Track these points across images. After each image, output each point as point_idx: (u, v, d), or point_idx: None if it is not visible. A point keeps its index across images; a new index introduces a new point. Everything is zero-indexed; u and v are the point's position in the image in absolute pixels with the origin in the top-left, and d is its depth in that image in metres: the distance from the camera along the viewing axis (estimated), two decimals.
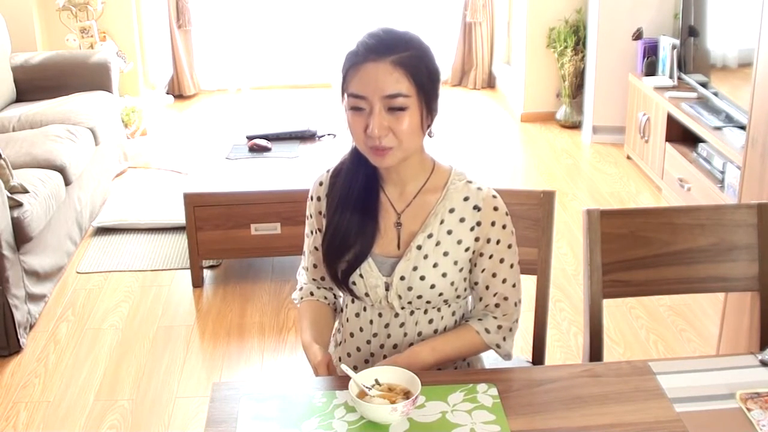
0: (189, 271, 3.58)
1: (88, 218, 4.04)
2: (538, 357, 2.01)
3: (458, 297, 1.70)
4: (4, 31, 4.55)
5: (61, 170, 3.60)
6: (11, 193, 3.13)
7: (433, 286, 1.65)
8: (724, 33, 3.89)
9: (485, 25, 6.23)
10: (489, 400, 1.50)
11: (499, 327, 1.71)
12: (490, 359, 1.89)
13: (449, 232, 1.65)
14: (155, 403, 2.80)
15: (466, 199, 1.65)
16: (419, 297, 1.66)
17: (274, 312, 3.37)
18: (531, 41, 5.48)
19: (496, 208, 1.66)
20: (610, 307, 3.23)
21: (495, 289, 1.69)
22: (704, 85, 4.05)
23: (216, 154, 3.86)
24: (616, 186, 4.56)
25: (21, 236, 3.13)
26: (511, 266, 1.69)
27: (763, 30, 2.38)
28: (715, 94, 3.90)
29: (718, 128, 3.73)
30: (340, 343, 1.80)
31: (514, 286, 1.71)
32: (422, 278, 1.64)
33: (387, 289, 1.67)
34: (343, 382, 1.53)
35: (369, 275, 1.67)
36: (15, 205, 3.12)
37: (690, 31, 4.20)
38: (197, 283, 3.56)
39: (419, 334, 1.70)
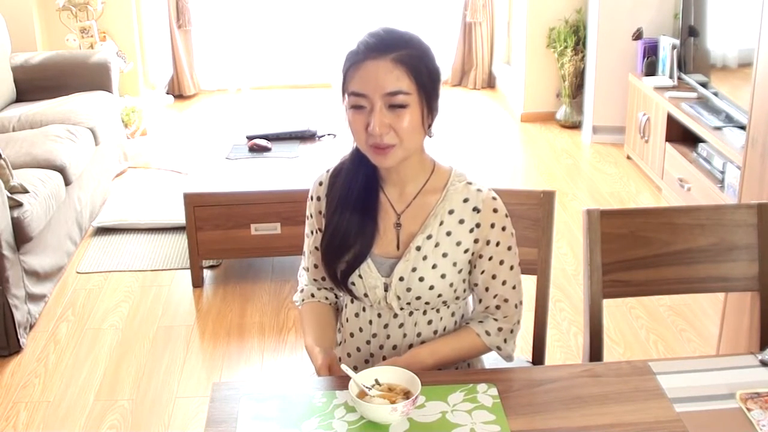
0: (189, 271, 3.58)
1: (88, 218, 4.05)
2: (538, 357, 2.01)
3: (457, 298, 1.70)
4: (4, 31, 4.55)
5: (61, 170, 3.60)
6: (11, 193, 3.13)
7: (431, 288, 1.65)
8: (724, 33, 3.89)
9: (485, 25, 6.23)
10: (489, 400, 1.50)
11: (500, 329, 1.71)
12: (490, 359, 1.89)
13: (448, 234, 1.65)
14: (155, 403, 2.80)
15: (465, 200, 1.65)
16: (418, 298, 1.66)
17: (274, 312, 3.37)
18: (531, 41, 5.48)
19: (495, 210, 1.66)
20: (610, 307, 3.23)
21: (495, 291, 1.69)
22: (704, 85, 4.05)
23: (216, 154, 3.86)
24: (616, 186, 4.56)
25: (21, 236, 3.13)
26: (511, 268, 1.69)
27: (763, 30, 2.38)
28: (715, 94, 3.90)
29: (718, 128, 3.73)
30: (340, 343, 1.80)
31: (514, 288, 1.70)
32: (421, 279, 1.64)
33: (386, 290, 1.67)
34: (343, 382, 1.53)
35: (368, 276, 1.67)
36: (15, 205, 3.12)
37: (690, 31, 4.20)
38: (197, 283, 3.56)
39: (418, 335, 1.70)
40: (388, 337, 1.71)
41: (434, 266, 1.64)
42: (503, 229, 1.67)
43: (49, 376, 2.95)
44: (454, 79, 6.46)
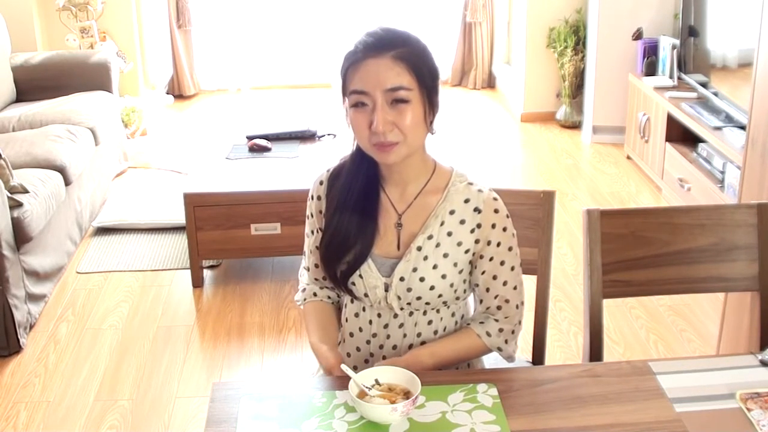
0: (189, 271, 3.58)
1: (88, 218, 4.05)
2: (538, 357, 2.01)
3: (457, 299, 1.70)
4: (4, 31, 4.55)
5: (61, 170, 3.60)
6: (11, 193, 3.13)
7: (432, 288, 1.65)
8: (724, 33, 3.89)
9: (485, 25, 6.23)
10: (489, 400, 1.50)
11: (501, 330, 1.71)
12: (490, 359, 1.89)
13: (449, 234, 1.65)
14: (155, 403, 2.80)
15: (466, 200, 1.65)
16: (419, 298, 1.66)
17: (274, 312, 3.37)
18: (531, 41, 5.48)
19: (496, 211, 1.66)
20: (610, 307, 3.23)
21: (496, 291, 1.69)
22: (704, 85, 4.05)
23: (216, 154, 3.86)
24: (616, 186, 4.56)
25: (21, 236, 3.13)
26: (512, 269, 1.69)
27: (763, 30, 2.38)
28: (715, 94, 3.90)
29: (718, 128, 3.73)
30: (339, 342, 1.80)
31: (515, 288, 1.70)
32: (422, 279, 1.64)
33: (386, 290, 1.66)
34: (343, 382, 1.53)
35: (368, 276, 1.67)
36: (15, 205, 3.12)
37: (690, 31, 4.20)
38: (197, 283, 3.56)
39: (418, 335, 1.70)
40: (388, 337, 1.71)
41: (435, 266, 1.64)
42: (504, 229, 1.67)
43: (49, 376, 2.95)
44: (454, 79, 6.46)
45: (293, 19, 6.41)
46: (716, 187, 3.66)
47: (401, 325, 1.70)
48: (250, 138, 3.94)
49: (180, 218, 3.81)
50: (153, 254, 3.85)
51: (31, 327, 3.23)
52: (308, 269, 1.83)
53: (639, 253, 1.88)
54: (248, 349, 3.12)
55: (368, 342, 1.73)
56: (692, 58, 4.23)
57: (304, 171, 3.58)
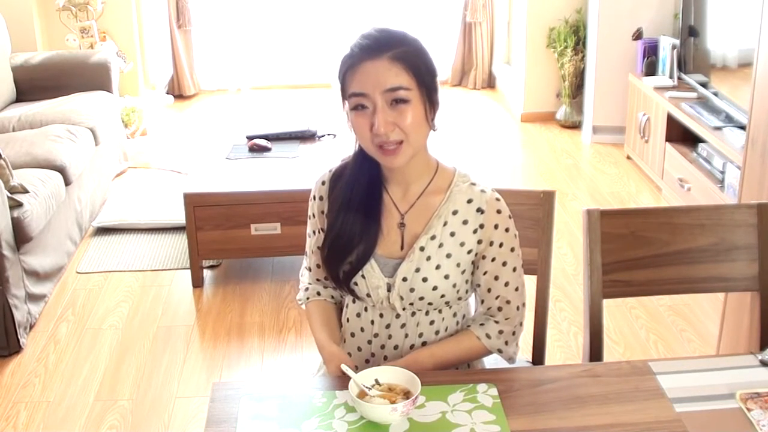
0: (189, 271, 3.58)
1: (88, 218, 4.05)
2: (538, 357, 2.01)
3: (459, 299, 1.70)
4: (4, 31, 4.55)
5: (61, 170, 3.60)
6: (11, 193, 3.13)
7: (435, 288, 1.64)
8: (724, 33, 3.89)
9: (485, 25, 6.23)
10: (489, 400, 1.50)
11: (501, 332, 1.70)
12: (490, 359, 1.88)
13: (452, 234, 1.65)
14: (155, 403, 2.80)
15: (469, 201, 1.65)
16: (421, 298, 1.66)
17: (274, 312, 3.37)
18: (531, 41, 5.48)
19: (499, 211, 1.66)
20: (610, 307, 3.23)
21: (497, 292, 1.69)
22: (704, 85, 4.05)
23: (216, 154, 3.86)
24: (616, 186, 4.56)
25: (21, 236, 3.13)
26: (514, 270, 1.69)
27: (763, 30, 2.38)
28: (715, 94, 3.90)
29: (718, 128, 3.73)
30: (341, 343, 1.80)
31: (516, 289, 1.70)
32: (425, 280, 1.64)
33: (389, 290, 1.66)
34: (343, 382, 1.53)
35: (371, 276, 1.67)
36: (15, 205, 3.12)
37: (690, 31, 4.20)
38: (197, 283, 3.56)
39: (420, 335, 1.70)
40: (390, 337, 1.71)
41: (438, 267, 1.64)
42: (506, 230, 1.66)
43: (49, 376, 2.95)
44: (454, 79, 6.46)
45: (293, 19, 6.41)
46: (716, 187, 3.67)
47: (403, 326, 1.70)
48: (250, 138, 3.94)
49: (180, 218, 3.81)
50: (153, 254, 3.85)
51: (31, 327, 3.23)
52: (310, 269, 1.83)
53: (639, 253, 1.88)
54: (248, 349, 3.12)
55: (369, 342, 1.73)
56: (692, 58, 4.23)
57: (304, 171, 3.58)
